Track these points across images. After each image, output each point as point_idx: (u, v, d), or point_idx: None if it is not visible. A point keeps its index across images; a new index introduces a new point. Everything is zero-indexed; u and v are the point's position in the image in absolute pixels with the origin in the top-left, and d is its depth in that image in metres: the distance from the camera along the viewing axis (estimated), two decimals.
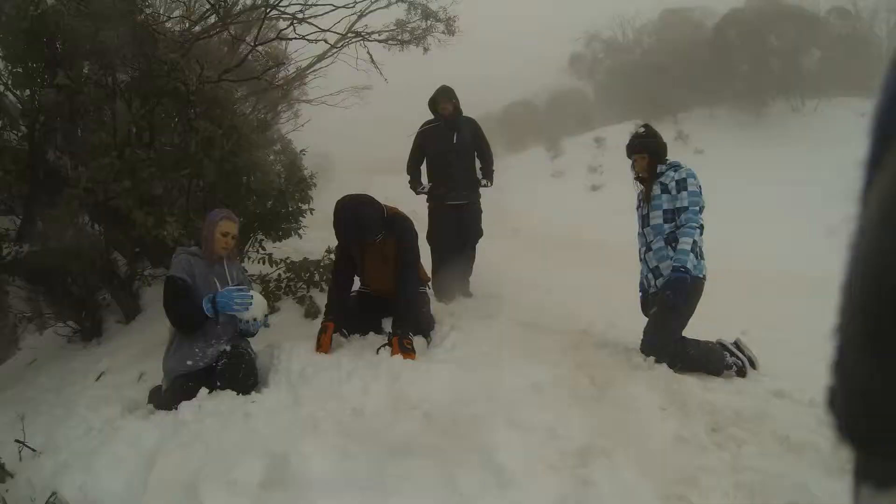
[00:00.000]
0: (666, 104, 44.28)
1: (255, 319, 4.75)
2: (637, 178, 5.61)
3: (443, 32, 13.79)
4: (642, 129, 5.66)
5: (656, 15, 56.19)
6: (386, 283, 5.23)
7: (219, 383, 4.42)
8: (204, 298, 4.55)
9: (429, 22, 13.56)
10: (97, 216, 6.67)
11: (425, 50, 13.54)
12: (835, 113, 38.42)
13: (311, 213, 7.27)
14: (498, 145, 54.18)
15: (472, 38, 14.35)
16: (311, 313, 6.49)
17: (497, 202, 32.14)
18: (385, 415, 3.80)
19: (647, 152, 5.49)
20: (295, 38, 7.08)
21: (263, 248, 7.09)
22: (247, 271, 5.47)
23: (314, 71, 15.73)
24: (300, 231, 7.24)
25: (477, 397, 3.81)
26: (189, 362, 4.56)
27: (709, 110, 43.85)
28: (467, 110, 7.50)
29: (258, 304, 4.74)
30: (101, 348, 6.57)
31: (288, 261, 7.07)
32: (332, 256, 6.68)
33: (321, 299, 6.54)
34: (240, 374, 4.50)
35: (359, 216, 4.98)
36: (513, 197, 41.46)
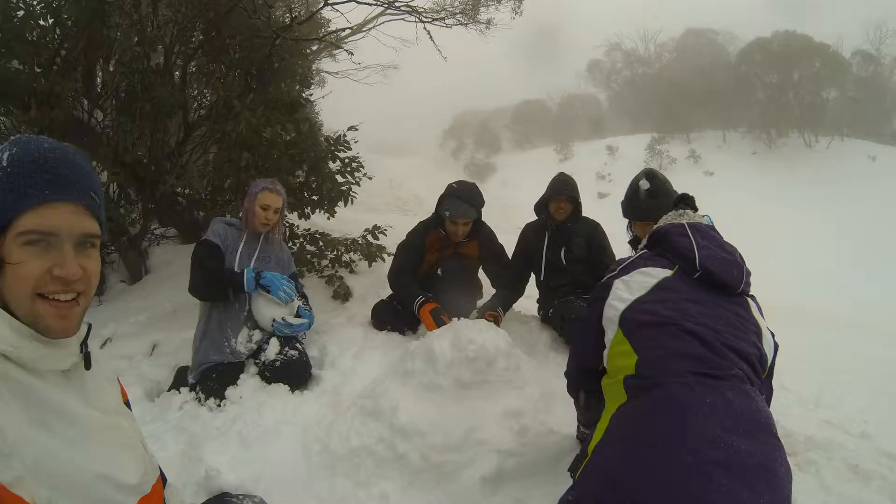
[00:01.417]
0: (680, 121, 44.72)
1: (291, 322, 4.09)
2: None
3: (514, 10, 13.07)
4: (646, 185, 3.81)
5: (679, 33, 57.13)
6: (446, 282, 4.96)
7: (268, 374, 3.89)
8: (247, 268, 4.00)
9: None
10: (113, 167, 6.06)
11: (487, 26, 12.91)
12: (846, 153, 39.30)
13: (352, 200, 6.35)
14: (507, 141, 54.32)
15: (488, 32, 13.71)
16: (340, 295, 5.91)
17: (500, 197, 31.89)
18: None
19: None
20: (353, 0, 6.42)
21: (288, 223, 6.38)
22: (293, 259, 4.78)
23: (347, 42, 15.09)
24: (337, 207, 6.41)
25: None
26: (215, 355, 3.92)
27: (722, 133, 44.42)
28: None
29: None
30: (103, 309, 5.94)
31: (312, 231, 6.46)
32: (370, 237, 6.51)
33: (352, 281, 6.11)
34: (292, 374, 3.94)
35: (477, 191, 4.97)
36: (517, 194, 41.55)
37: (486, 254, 5.07)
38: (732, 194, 33.88)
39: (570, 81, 60.78)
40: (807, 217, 30.28)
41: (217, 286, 3.95)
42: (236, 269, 4.05)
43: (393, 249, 6.16)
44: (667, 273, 2.27)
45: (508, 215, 32.29)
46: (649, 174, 3.83)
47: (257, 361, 3.96)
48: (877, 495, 3.24)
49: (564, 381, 2.95)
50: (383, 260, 6.35)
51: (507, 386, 3.45)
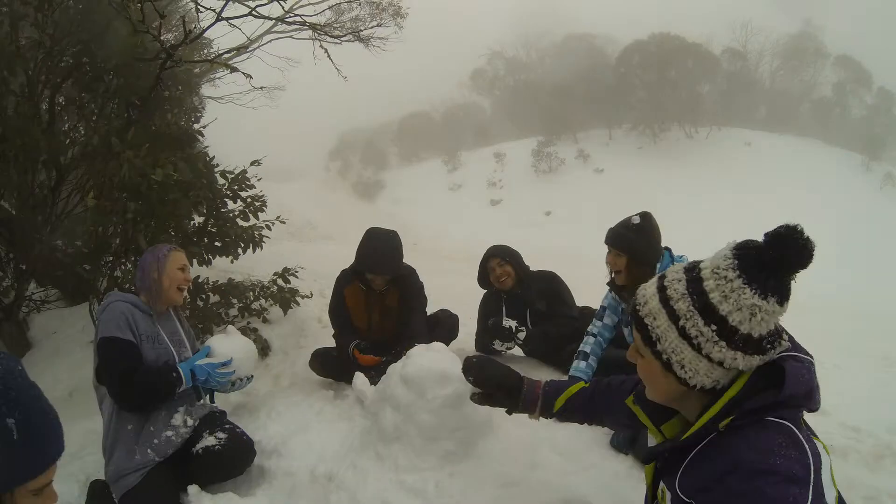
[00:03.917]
0: (566, 123, 45.82)
1: (239, 380, 3.45)
2: (611, 284, 3.97)
3: (397, 24, 13.02)
4: (636, 220, 3.80)
5: (560, 38, 58.94)
6: (386, 332, 4.63)
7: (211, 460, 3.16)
8: (182, 364, 3.22)
9: (378, 14, 12.59)
10: None
11: (369, 43, 12.50)
12: (724, 141, 42.10)
13: (263, 245, 5.59)
14: (394, 156, 54.40)
15: (374, 48, 13.49)
16: (257, 350, 5.19)
17: (393, 215, 31.70)
18: None
19: (627, 252, 3.77)
20: (248, 15, 5.73)
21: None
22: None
23: (234, 62, 14.29)
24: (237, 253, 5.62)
25: None
26: (139, 456, 3.06)
27: (608, 132, 45.89)
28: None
29: (245, 355, 3.46)
30: None
31: (219, 283, 5.66)
32: (280, 282, 5.87)
33: (267, 332, 5.54)
34: (233, 463, 3.26)
35: (395, 249, 4.46)
36: (409, 210, 41.43)
37: (402, 305, 4.62)
38: (623, 188, 35.42)
39: (453, 91, 61.27)
40: (697, 201, 32.15)
41: (159, 398, 3.16)
42: (175, 362, 3.26)
43: (306, 290, 6.06)
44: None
45: (403, 233, 31.82)
46: (643, 214, 3.79)
47: (195, 449, 3.16)
48: (856, 468, 3.39)
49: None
50: (298, 304, 5.82)
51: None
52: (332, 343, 4.87)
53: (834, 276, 23.23)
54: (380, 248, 4.43)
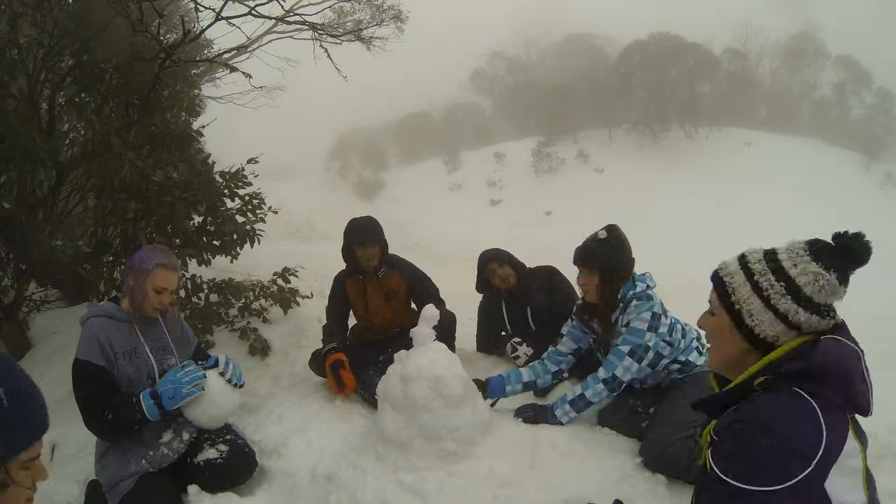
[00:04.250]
0: (566, 123, 45.70)
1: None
2: (581, 304, 3.82)
3: (397, 27, 13.06)
4: (602, 234, 3.61)
5: (560, 38, 59.28)
6: (388, 315, 4.82)
7: (207, 474, 3.15)
8: (143, 394, 3.02)
9: (379, 16, 12.66)
10: None
11: (370, 45, 12.47)
12: (724, 141, 42.22)
13: (258, 240, 5.46)
14: (394, 156, 54.40)
15: (374, 49, 13.47)
16: (257, 350, 5.19)
17: (395, 214, 31.63)
18: None
19: (597, 268, 3.56)
20: (248, 14, 5.71)
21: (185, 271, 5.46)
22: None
23: (234, 62, 14.24)
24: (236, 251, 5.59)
25: None
26: (133, 466, 3.05)
27: (608, 132, 45.71)
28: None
29: (219, 397, 3.24)
30: None
31: (217, 281, 5.65)
32: (280, 281, 5.85)
33: (267, 332, 5.47)
34: (234, 476, 3.24)
35: (373, 222, 4.75)
36: (409, 210, 41.49)
37: (407, 278, 4.82)
38: (623, 188, 35.47)
39: (453, 91, 61.18)
40: (697, 201, 32.27)
41: (124, 432, 3.04)
42: (156, 373, 3.17)
43: (306, 290, 6.02)
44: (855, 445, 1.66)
45: (403, 233, 32.30)
46: (609, 227, 3.65)
47: (196, 461, 3.16)
48: None
49: None
50: (298, 304, 5.77)
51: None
52: None
53: None
54: (359, 223, 4.72)
